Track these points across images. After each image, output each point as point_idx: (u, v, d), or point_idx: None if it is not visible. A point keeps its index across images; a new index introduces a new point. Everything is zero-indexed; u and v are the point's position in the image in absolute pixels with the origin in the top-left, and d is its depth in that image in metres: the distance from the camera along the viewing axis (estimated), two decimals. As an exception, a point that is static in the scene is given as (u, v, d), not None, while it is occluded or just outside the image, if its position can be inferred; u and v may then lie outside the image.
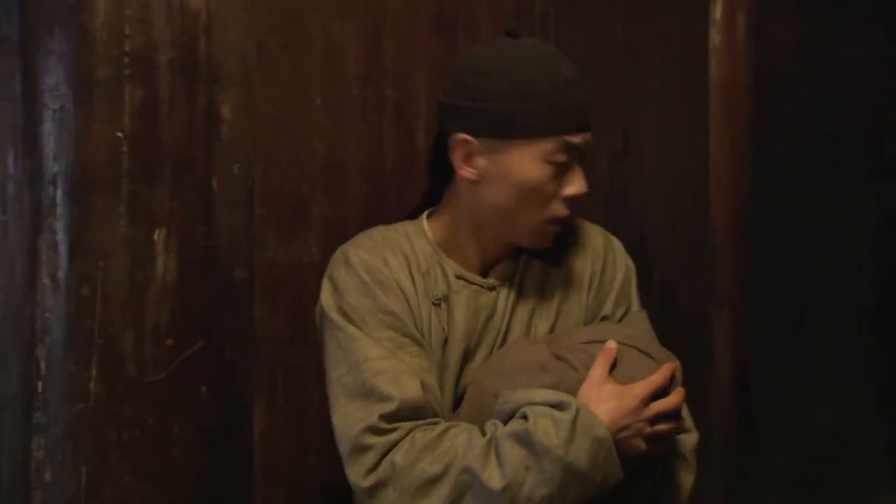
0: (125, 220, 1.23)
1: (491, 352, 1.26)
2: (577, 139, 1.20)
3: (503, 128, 1.18)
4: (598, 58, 1.87)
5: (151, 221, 1.25)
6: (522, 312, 1.27)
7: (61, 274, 1.21)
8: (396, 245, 1.25)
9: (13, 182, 1.27)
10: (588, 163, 1.26)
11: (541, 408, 1.12)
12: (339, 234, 1.40)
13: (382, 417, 1.13)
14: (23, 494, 1.22)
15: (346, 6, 1.46)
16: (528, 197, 1.20)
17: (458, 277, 1.26)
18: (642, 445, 1.14)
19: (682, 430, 1.21)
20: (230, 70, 1.31)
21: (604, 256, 1.32)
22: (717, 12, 2.02)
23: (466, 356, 1.24)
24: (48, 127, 1.20)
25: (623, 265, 1.34)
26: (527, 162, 1.18)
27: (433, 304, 1.23)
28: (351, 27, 1.47)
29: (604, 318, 1.31)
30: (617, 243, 1.36)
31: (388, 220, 1.38)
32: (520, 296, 1.28)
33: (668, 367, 1.18)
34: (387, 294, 1.20)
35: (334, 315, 1.20)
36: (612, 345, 1.18)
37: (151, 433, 1.25)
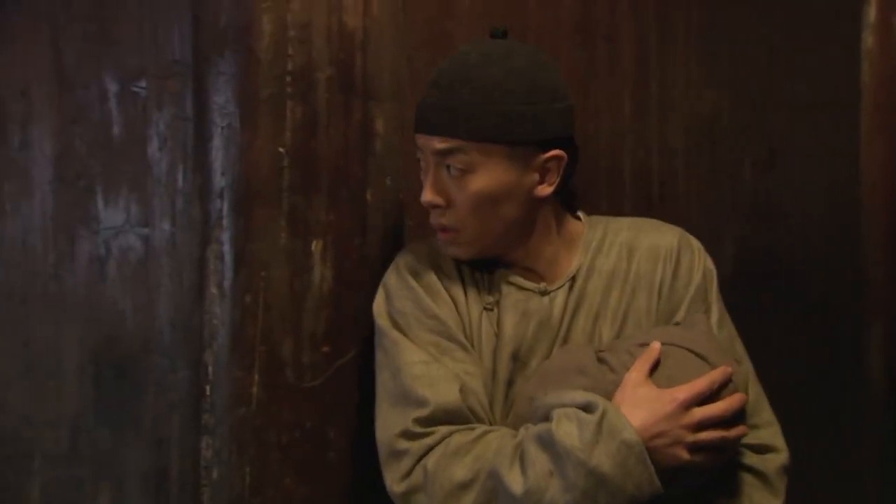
0: (286, 231, 1.28)
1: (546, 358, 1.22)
2: (419, 140, 1.19)
3: None
4: (743, 66, 1.83)
5: (309, 232, 1.30)
6: (584, 319, 1.22)
7: (227, 283, 1.28)
8: None
9: (182, 196, 1.35)
10: (460, 172, 1.16)
11: (567, 409, 1.07)
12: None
13: (417, 421, 1.13)
14: (192, 491, 1.29)
15: (489, 19, 1.47)
16: None
17: (508, 282, 1.23)
18: (685, 455, 1.05)
19: (736, 439, 1.10)
20: (383, 86, 1.35)
21: (676, 260, 1.24)
22: (871, 14, 1.94)
23: (516, 362, 1.21)
24: (216, 143, 1.27)
25: (700, 269, 1.24)
26: None
27: (485, 308, 1.22)
28: (494, 40, 1.49)
29: (676, 325, 1.24)
30: (695, 244, 1.27)
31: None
32: (581, 301, 1.22)
33: (718, 371, 1.09)
34: (433, 299, 1.20)
35: (382, 321, 1.22)
36: (655, 345, 1.11)
37: (309, 437, 1.30)
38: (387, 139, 1.36)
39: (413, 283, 1.21)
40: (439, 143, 1.16)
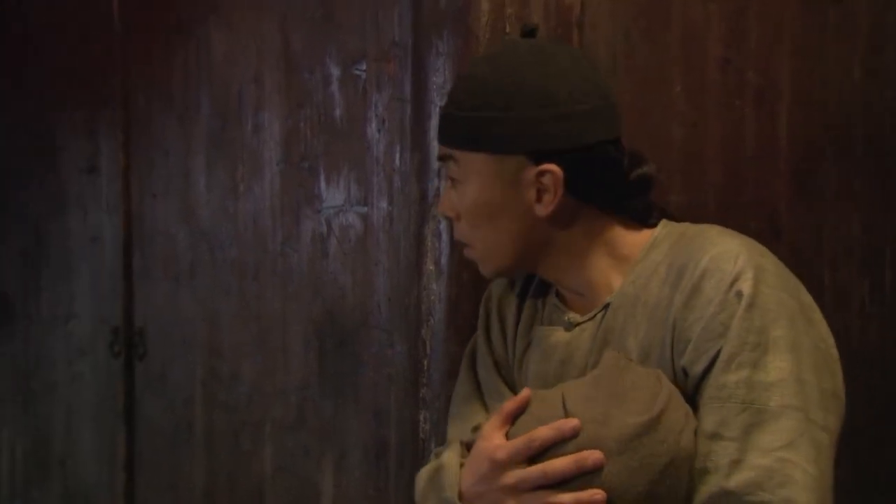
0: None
1: None
2: (439, 150, 1.12)
3: None
4: None
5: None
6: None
7: (444, 260, 1.30)
8: None
9: (400, 175, 1.39)
10: (463, 184, 1.07)
11: (440, 448, 1.10)
12: (696, 221, 1.36)
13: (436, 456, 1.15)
14: (411, 463, 1.33)
15: (708, -13, 1.41)
16: None
17: (548, 311, 1.14)
18: None
19: None
20: (599, 61, 1.32)
21: (694, 286, 0.98)
22: None
23: None
24: (434, 122, 1.29)
25: (719, 297, 0.96)
26: None
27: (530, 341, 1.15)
28: (713, 10, 1.42)
29: (683, 370, 1.00)
30: (732, 265, 0.97)
31: (746, 207, 1.31)
32: (609, 334, 1.06)
33: (551, 427, 0.94)
34: (489, 332, 1.19)
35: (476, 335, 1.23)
36: (524, 393, 1.00)
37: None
38: (602, 114, 1.33)
39: (482, 308, 1.22)
40: (439, 150, 1.13)
